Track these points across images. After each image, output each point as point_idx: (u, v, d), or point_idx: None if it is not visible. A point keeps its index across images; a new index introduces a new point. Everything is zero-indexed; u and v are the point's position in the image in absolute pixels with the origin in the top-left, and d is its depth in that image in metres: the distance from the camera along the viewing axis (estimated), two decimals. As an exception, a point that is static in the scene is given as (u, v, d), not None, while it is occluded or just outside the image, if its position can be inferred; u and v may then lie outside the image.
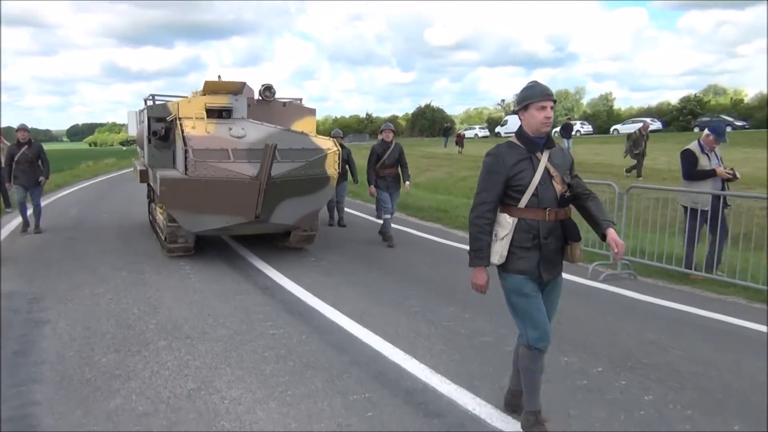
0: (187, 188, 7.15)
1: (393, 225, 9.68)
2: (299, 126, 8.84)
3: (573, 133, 32.35)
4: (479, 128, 68.64)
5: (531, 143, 3.29)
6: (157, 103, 9.14)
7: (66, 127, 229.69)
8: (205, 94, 8.37)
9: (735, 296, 6.45)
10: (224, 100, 8.29)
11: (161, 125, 8.39)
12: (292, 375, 4.30)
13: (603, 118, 67.99)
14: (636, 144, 17.68)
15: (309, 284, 6.80)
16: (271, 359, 4.59)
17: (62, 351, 4.78)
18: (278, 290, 6.65)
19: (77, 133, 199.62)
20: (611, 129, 56.38)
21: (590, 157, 24.26)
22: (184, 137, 7.32)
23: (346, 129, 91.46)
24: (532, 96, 3.25)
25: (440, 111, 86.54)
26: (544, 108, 3.22)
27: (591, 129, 59.00)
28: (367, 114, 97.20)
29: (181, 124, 7.60)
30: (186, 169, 7.15)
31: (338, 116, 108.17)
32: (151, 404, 3.83)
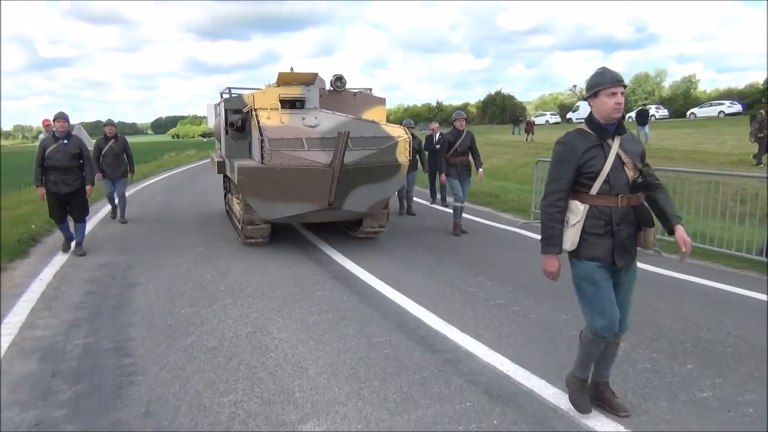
0: (263, 177, 7.34)
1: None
2: (370, 115, 8.95)
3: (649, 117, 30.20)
4: (550, 114, 67.48)
5: (602, 130, 3.29)
6: (233, 95, 9.32)
7: (150, 120, 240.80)
8: (279, 86, 8.55)
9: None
10: (297, 91, 8.49)
11: (238, 117, 8.62)
12: (330, 323, 5.19)
13: (680, 101, 65.60)
14: (762, 127, 15.56)
15: (358, 258, 7.63)
16: (315, 312, 5.50)
17: (150, 305, 5.85)
18: (329, 262, 7.54)
19: (161, 125, 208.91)
20: (688, 113, 54.69)
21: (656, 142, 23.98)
22: (260, 127, 7.51)
23: (416, 117, 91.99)
24: (602, 82, 3.24)
25: (511, 98, 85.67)
26: (614, 94, 3.21)
27: (667, 113, 57.36)
28: (437, 102, 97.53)
29: (256, 115, 7.80)
30: (262, 158, 7.32)
31: (410, 105, 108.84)
32: (218, 342, 4.81)
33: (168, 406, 3.71)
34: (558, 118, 65.01)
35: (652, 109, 50.70)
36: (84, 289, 6.45)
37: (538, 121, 59.31)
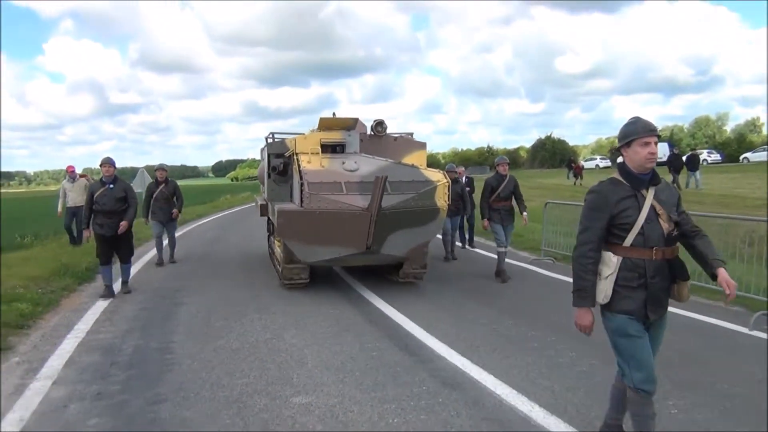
0: (302, 220, 7.39)
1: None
2: (410, 159, 8.91)
3: (701, 162, 28.99)
4: (600, 158, 67.40)
5: (635, 180, 3.24)
6: (276, 140, 9.43)
7: (211, 163, 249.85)
8: (320, 131, 8.74)
9: None
10: (338, 136, 8.63)
11: (280, 161, 8.70)
12: (334, 335, 6.24)
13: (734, 146, 64.71)
14: None
15: (385, 294, 8.47)
16: (324, 326, 6.56)
17: (190, 319, 7.04)
18: (345, 286, 8.69)
19: (221, 168, 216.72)
20: (741, 158, 54.02)
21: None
22: (300, 171, 7.58)
23: (467, 162, 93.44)
24: (635, 132, 3.21)
25: (561, 142, 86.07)
26: (647, 144, 3.17)
27: (720, 158, 56.69)
28: (488, 146, 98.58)
29: (297, 159, 7.88)
30: (302, 201, 7.38)
31: (463, 148, 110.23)
32: (240, 344, 5.92)
33: (196, 385, 4.83)
34: (608, 162, 64.85)
35: (704, 154, 50.30)
36: (139, 306, 7.72)
37: (588, 165, 59.43)
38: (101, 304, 7.75)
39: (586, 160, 65.17)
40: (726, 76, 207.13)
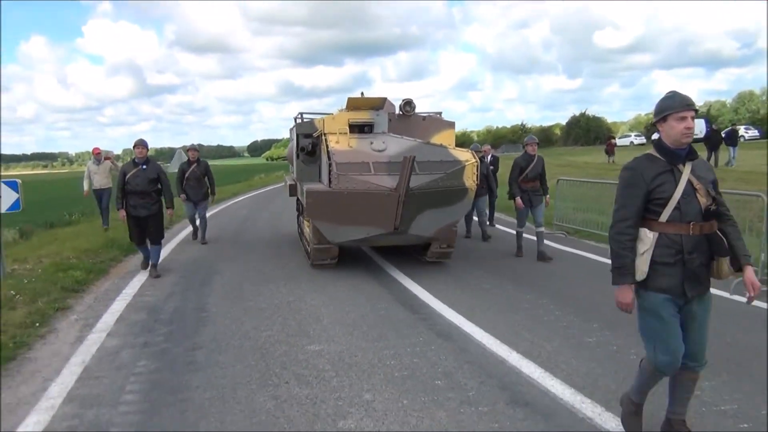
0: (330, 200, 7.42)
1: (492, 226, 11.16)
2: (438, 139, 8.87)
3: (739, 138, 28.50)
4: (635, 135, 66.34)
5: (672, 155, 3.19)
6: (304, 120, 9.46)
7: (247, 143, 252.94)
8: (348, 111, 8.72)
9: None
10: (366, 116, 8.59)
11: (308, 141, 8.74)
12: (349, 298, 6.97)
13: (774, 121, 63.24)
14: None
15: (397, 263, 9.30)
16: (342, 291, 7.32)
17: (225, 284, 7.89)
18: (366, 259, 9.44)
19: (257, 148, 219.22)
20: (782, 133, 52.95)
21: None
22: (328, 152, 7.61)
23: (500, 140, 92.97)
24: (672, 106, 3.16)
25: (596, 119, 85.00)
26: (684, 119, 3.12)
27: (757, 134, 55.63)
28: (521, 124, 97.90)
29: (326, 140, 7.90)
30: (330, 182, 7.41)
31: (499, 126, 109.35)
32: (267, 305, 6.74)
33: (227, 336, 5.66)
34: (643, 139, 63.94)
35: (741, 130, 49.36)
36: (178, 275, 8.61)
37: (622, 142, 58.64)
38: (145, 273, 8.65)
39: (620, 137, 64.22)
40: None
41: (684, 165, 3.19)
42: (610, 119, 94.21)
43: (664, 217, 3.14)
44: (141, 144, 8.47)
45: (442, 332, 5.64)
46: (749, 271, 3.17)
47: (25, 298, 7.00)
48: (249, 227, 14.00)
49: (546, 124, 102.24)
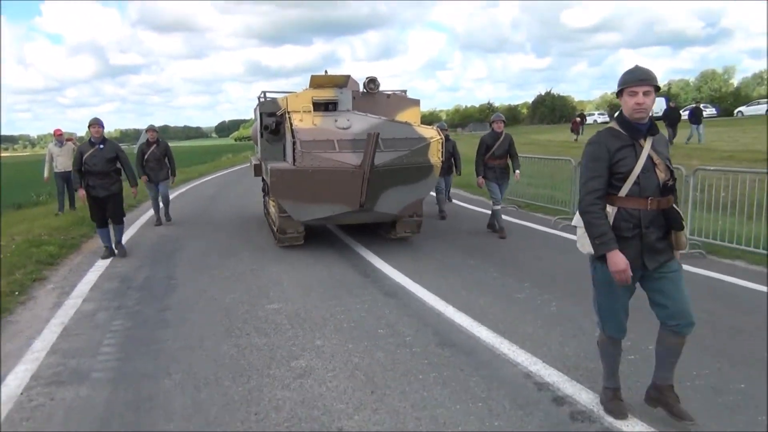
0: (295, 178, 7.41)
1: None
2: (403, 117, 8.85)
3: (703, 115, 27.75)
4: (598, 114, 67.79)
5: (633, 129, 3.20)
6: (268, 99, 9.37)
7: (214, 124, 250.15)
8: (312, 89, 8.65)
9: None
10: (330, 94, 8.53)
11: (272, 120, 8.73)
12: (309, 265, 7.57)
13: (729, 100, 65.17)
14: None
15: (357, 236, 9.87)
16: (302, 259, 7.91)
17: (192, 256, 8.39)
18: (331, 235, 10.03)
19: (224, 129, 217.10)
20: (735, 111, 54.68)
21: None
22: (292, 130, 7.58)
23: (467, 119, 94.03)
24: (627, 81, 3.17)
25: (561, 98, 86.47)
26: (635, 93, 3.12)
27: (715, 112, 57.36)
28: (489, 103, 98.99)
29: (289, 118, 7.87)
30: (294, 160, 7.39)
31: (468, 105, 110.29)
32: (231, 273, 7.29)
33: (194, 299, 6.22)
34: (607, 117, 65.28)
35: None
36: (147, 249, 9.10)
37: (588, 120, 59.93)
38: (129, 234, 9.06)
39: (576, 115, 65.42)
40: (735, 29, 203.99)
41: (645, 140, 3.20)
42: (577, 98, 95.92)
43: (624, 191, 3.18)
44: (96, 123, 8.25)
45: (389, 292, 6.28)
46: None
47: (3, 269, 7.45)
48: (216, 206, 14.46)
49: (515, 102, 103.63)
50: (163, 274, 7.40)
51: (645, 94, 3.13)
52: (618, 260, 3.13)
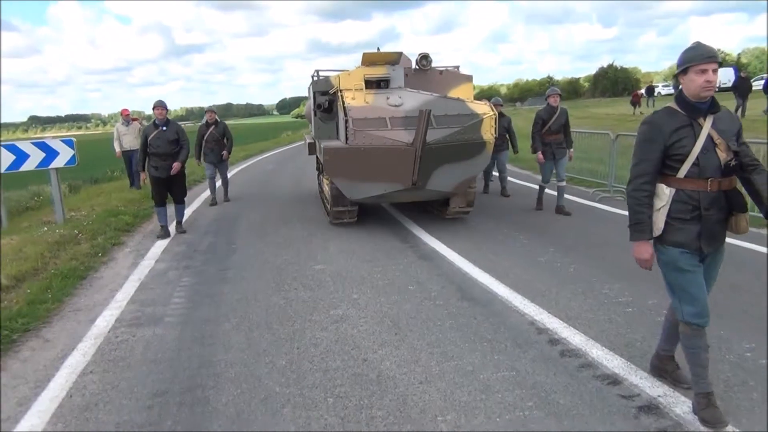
0: (347, 157, 7.43)
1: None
2: (456, 93, 8.75)
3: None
4: (662, 86, 65.44)
5: (692, 109, 3.12)
6: (320, 77, 9.36)
7: (276, 101, 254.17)
8: (364, 66, 8.67)
9: None
10: (382, 71, 8.55)
11: (325, 98, 8.82)
12: (355, 233, 8.30)
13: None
14: None
15: (402, 208, 10.58)
16: (349, 229, 8.64)
17: (249, 226, 9.25)
18: (381, 210, 10.72)
19: (285, 106, 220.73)
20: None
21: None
22: (344, 108, 7.62)
23: (527, 93, 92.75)
24: (693, 58, 3.07)
25: (624, 70, 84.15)
26: (705, 71, 3.02)
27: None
28: (548, 76, 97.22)
29: (342, 96, 7.94)
30: (347, 138, 7.44)
31: (529, 79, 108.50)
32: (284, 240, 8.09)
33: (250, 261, 7.04)
34: (671, 90, 63.05)
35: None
36: (210, 219, 10.02)
37: (644, 93, 58.21)
38: (192, 209, 10.02)
39: (645, 88, 63.49)
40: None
41: (705, 119, 3.12)
42: (644, 69, 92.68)
43: (682, 173, 3.10)
44: (160, 105, 8.48)
45: (423, 255, 6.94)
46: None
47: (86, 235, 8.48)
48: (274, 180, 15.39)
49: (578, 76, 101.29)
50: (224, 240, 8.26)
51: (714, 71, 3.05)
52: (644, 250, 3.21)
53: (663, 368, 3.61)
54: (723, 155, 3.07)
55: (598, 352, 4.08)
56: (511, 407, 3.43)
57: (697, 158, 3.06)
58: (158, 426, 3.41)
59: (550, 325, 4.62)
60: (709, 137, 3.08)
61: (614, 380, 3.69)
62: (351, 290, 5.75)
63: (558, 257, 6.64)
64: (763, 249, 6.61)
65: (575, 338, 4.34)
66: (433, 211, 9.30)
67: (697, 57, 3.05)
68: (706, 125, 3.10)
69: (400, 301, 5.37)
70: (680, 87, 3.19)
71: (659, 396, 3.47)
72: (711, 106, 3.11)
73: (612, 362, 3.93)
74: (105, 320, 5.25)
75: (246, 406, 3.58)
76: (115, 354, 4.50)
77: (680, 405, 3.37)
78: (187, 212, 10.16)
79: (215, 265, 6.94)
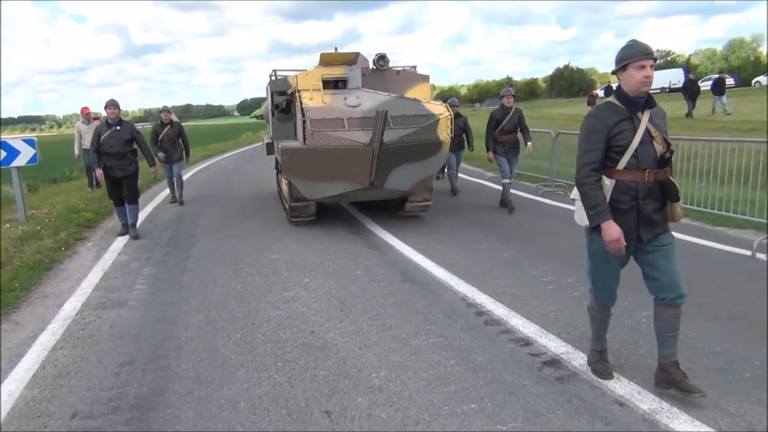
0: (305, 157, 7.51)
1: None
2: (413, 93, 8.87)
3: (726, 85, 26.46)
4: (615, 86, 67.52)
5: (631, 103, 3.27)
6: (278, 77, 9.37)
7: (237, 102, 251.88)
8: (321, 66, 8.73)
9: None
10: (339, 71, 8.61)
11: (283, 98, 8.88)
12: (310, 228, 8.79)
13: (749, 69, 64.65)
14: None
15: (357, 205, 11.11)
16: (305, 224, 9.16)
17: (209, 220, 9.63)
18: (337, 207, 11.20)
19: (246, 107, 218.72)
20: (753, 81, 54.50)
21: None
22: (302, 108, 7.66)
23: (486, 93, 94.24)
24: (631, 55, 3.21)
25: (579, 71, 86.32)
26: (643, 67, 3.17)
27: (734, 82, 57.07)
28: (507, 77, 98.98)
29: (299, 96, 7.96)
30: (305, 139, 7.50)
31: (489, 80, 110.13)
32: (243, 233, 8.49)
33: (210, 252, 7.45)
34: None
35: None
36: (172, 215, 10.38)
37: (602, 93, 60.05)
38: (146, 212, 10.38)
39: (601, 88, 65.47)
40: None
41: (642, 113, 3.28)
42: (602, 70, 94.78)
43: (622, 164, 3.26)
44: (112, 104, 8.30)
45: (373, 245, 7.47)
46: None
47: (48, 231, 8.76)
48: (234, 178, 15.76)
49: (537, 76, 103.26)
50: (184, 234, 8.65)
51: (651, 67, 3.21)
52: (612, 230, 3.22)
53: (670, 379, 3.42)
54: (659, 147, 3.27)
55: (517, 321, 4.66)
56: (436, 365, 3.96)
57: (636, 150, 3.24)
58: (126, 388, 3.85)
59: (479, 300, 5.18)
60: (647, 131, 3.27)
61: (526, 342, 4.27)
62: (303, 275, 6.23)
63: (496, 245, 7.23)
64: (683, 237, 7.29)
65: (499, 310, 4.91)
66: (392, 209, 9.46)
67: (636, 54, 3.21)
68: (644, 119, 3.28)
69: (347, 283, 5.87)
70: (619, 83, 3.36)
71: (562, 353, 4.05)
72: (647, 101, 3.31)
73: (527, 329, 4.51)
74: (72, 305, 5.63)
75: (204, 371, 4.04)
76: (83, 333, 4.90)
77: (578, 360, 3.94)
78: (147, 211, 10.54)
79: (176, 256, 7.33)
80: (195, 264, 6.92)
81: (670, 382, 3.40)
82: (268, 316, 5.04)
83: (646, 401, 3.40)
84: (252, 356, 4.24)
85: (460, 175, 12.26)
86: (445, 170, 12.02)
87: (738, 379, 3.64)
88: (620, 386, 3.59)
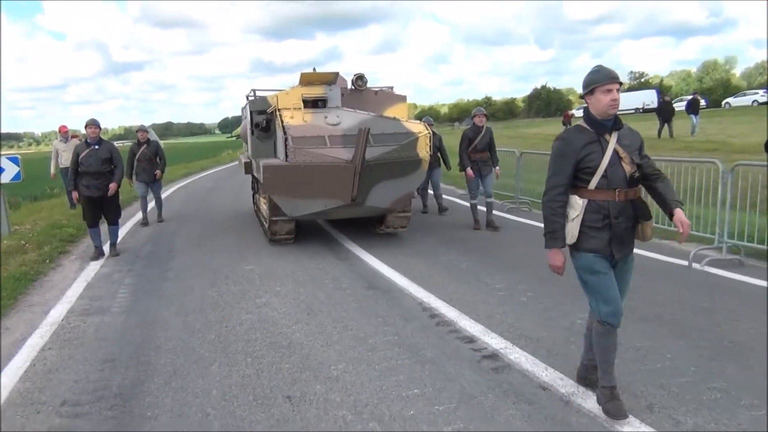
0: (287, 174, 7.60)
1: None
2: (391, 112, 9.12)
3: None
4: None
5: (599, 126, 3.38)
6: (257, 97, 9.51)
7: (217, 120, 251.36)
8: (301, 86, 8.91)
9: None
10: (319, 91, 8.80)
11: (262, 117, 9.00)
12: (285, 243, 9.34)
13: (719, 92, 66.47)
14: None
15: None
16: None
17: (187, 235, 10.06)
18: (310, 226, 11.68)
19: (227, 125, 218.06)
20: (723, 102, 56.07)
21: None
22: (283, 127, 7.81)
23: (465, 113, 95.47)
24: (598, 80, 3.33)
25: (556, 92, 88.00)
26: (610, 91, 3.29)
27: (704, 103, 58.61)
28: (485, 97, 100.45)
29: (280, 115, 8.13)
30: (286, 156, 7.63)
31: (470, 99, 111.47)
32: (220, 246, 8.94)
33: (189, 264, 7.89)
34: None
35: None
36: (152, 230, 10.80)
37: (579, 113, 61.45)
38: (126, 227, 10.79)
39: (578, 108, 66.92)
40: (739, 17, 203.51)
41: (610, 135, 3.39)
42: (579, 90, 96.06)
43: (593, 184, 3.34)
44: (93, 123, 8.32)
45: (342, 257, 7.96)
46: (679, 213, 3.40)
47: (32, 245, 9.15)
48: (213, 195, 16.21)
49: (518, 96, 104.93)
50: (165, 249, 9.08)
51: (617, 90, 3.32)
52: (557, 258, 3.45)
53: (589, 377, 3.80)
54: (628, 168, 3.36)
55: (465, 322, 5.17)
56: (388, 358, 4.46)
57: (605, 171, 3.33)
58: (110, 381, 4.29)
59: (434, 305, 5.70)
60: (615, 152, 3.37)
61: (471, 339, 4.78)
62: (275, 284, 6.71)
63: (457, 257, 7.76)
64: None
65: (451, 313, 5.42)
66: (369, 227, 9.55)
67: (602, 78, 3.34)
68: (612, 141, 3.38)
69: (315, 291, 6.36)
70: (586, 106, 3.47)
71: (501, 349, 4.57)
72: (615, 123, 3.41)
73: (474, 328, 5.02)
74: (58, 312, 6.04)
75: (181, 366, 4.50)
76: (70, 335, 5.33)
77: (515, 353, 4.46)
78: (127, 227, 10.93)
79: (156, 268, 7.77)
80: (174, 275, 7.36)
81: (586, 379, 3.84)
82: (240, 320, 5.51)
83: (566, 386, 3.91)
84: (224, 353, 4.70)
85: (429, 191, 12.44)
86: (419, 190, 11.98)
87: (650, 369, 4.17)
88: (546, 374, 4.11)
